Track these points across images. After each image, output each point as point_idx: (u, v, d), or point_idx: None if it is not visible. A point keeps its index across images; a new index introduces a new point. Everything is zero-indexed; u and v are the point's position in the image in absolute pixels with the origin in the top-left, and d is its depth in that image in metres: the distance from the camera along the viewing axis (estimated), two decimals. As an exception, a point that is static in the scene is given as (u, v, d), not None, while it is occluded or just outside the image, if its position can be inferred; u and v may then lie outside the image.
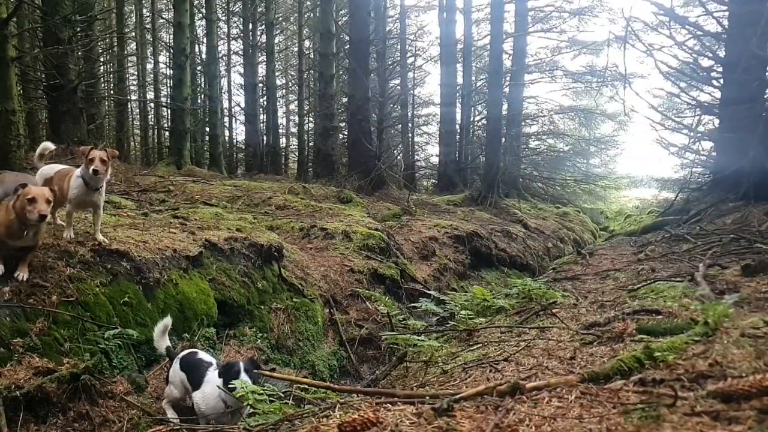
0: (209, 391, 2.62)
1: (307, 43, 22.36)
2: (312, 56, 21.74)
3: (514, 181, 15.12)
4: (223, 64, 21.72)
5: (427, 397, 1.56)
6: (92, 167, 3.28)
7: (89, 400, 2.33)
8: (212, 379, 2.64)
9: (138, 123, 23.24)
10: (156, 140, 22.47)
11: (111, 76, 18.66)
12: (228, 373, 2.57)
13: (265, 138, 19.81)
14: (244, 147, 21.00)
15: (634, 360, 1.60)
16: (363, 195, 10.07)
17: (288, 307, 4.33)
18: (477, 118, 20.23)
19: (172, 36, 14.03)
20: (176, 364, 2.83)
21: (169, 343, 3.04)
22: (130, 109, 21.24)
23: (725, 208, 7.20)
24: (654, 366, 1.58)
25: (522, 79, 15.86)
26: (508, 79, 15.60)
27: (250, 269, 4.33)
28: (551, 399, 1.43)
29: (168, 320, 3.01)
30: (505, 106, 15.15)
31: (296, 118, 23.64)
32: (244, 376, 2.50)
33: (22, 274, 2.94)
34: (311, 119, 22.12)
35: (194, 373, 2.73)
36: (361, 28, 11.51)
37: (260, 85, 20.41)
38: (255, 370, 2.59)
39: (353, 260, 5.53)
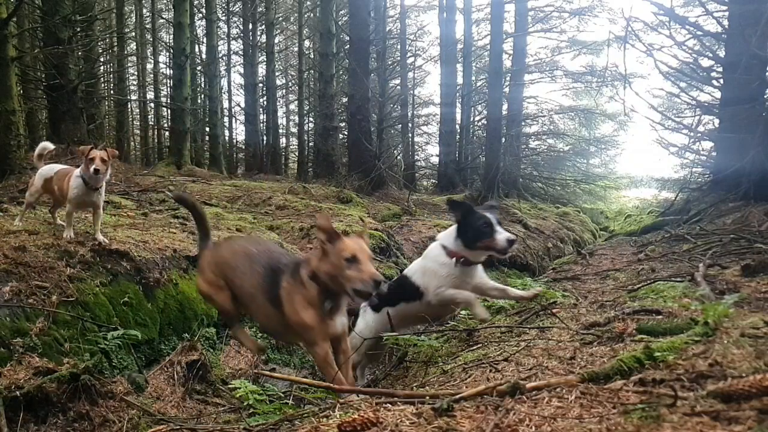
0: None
1: (307, 43, 22.36)
2: (312, 56, 21.74)
3: (514, 181, 15.10)
4: (223, 64, 21.72)
5: (427, 397, 1.56)
6: (92, 167, 3.29)
7: (89, 400, 2.32)
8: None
9: (138, 123, 23.25)
10: (156, 140, 22.48)
11: (111, 76, 18.68)
12: (471, 218, 2.32)
13: (265, 138, 19.82)
14: (244, 147, 21.02)
15: (634, 360, 1.60)
16: (363, 195, 10.07)
17: (288, 307, 4.32)
18: (477, 118, 20.22)
19: (172, 36, 14.04)
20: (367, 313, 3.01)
21: None
22: (130, 109, 21.25)
23: (725, 208, 7.18)
24: (654, 366, 1.57)
25: (522, 79, 15.84)
26: (508, 79, 15.59)
27: (250, 269, 4.32)
28: (551, 399, 1.42)
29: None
30: (505, 106, 15.14)
31: (296, 118, 23.65)
32: (500, 230, 2.34)
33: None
34: (311, 119, 22.11)
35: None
36: (361, 28, 11.50)
37: (260, 85, 20.41)
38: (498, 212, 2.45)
39: (353, 260, 5.51)
